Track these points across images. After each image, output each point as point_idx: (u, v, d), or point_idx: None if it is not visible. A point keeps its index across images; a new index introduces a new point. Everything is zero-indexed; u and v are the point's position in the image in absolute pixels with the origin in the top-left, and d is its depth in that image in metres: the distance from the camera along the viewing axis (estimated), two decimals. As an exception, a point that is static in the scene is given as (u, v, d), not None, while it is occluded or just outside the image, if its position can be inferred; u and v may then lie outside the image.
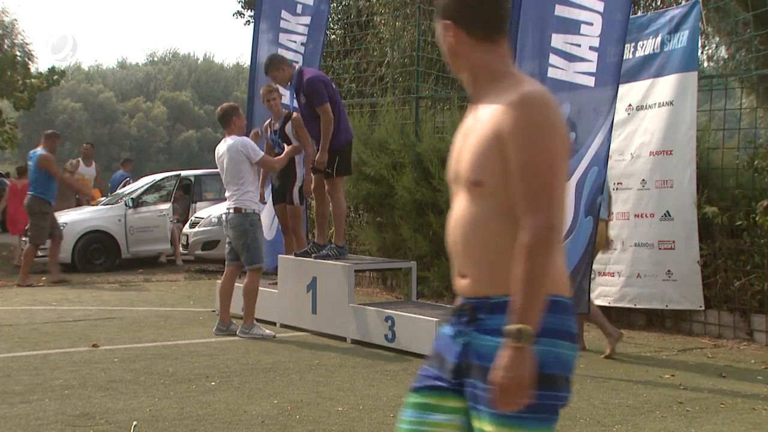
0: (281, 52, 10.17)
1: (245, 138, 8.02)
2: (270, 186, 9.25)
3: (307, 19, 10.21)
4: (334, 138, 8.05)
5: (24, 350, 7.24)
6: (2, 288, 11.72)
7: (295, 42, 10.20)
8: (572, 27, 6.79)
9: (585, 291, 6.73)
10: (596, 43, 6.76)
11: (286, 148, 8.66)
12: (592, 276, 7.15)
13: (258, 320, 8.65)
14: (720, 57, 14.65)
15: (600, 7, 6.75)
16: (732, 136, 8.56)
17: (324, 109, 8.03)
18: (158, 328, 8.41)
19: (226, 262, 8.21)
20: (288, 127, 8.75)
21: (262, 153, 8.06)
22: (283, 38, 10.21)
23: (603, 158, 6.82)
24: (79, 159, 16.86)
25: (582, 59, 6.80)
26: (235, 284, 8.20)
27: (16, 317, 9.06)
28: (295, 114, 8.85)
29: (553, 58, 6.80)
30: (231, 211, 7.94)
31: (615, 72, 6.81)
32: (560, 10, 6.77)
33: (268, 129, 8.99)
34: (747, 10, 10.48)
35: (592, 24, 6.77)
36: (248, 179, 7.92)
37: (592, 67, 6.78)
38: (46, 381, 6.05)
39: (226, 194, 8.12)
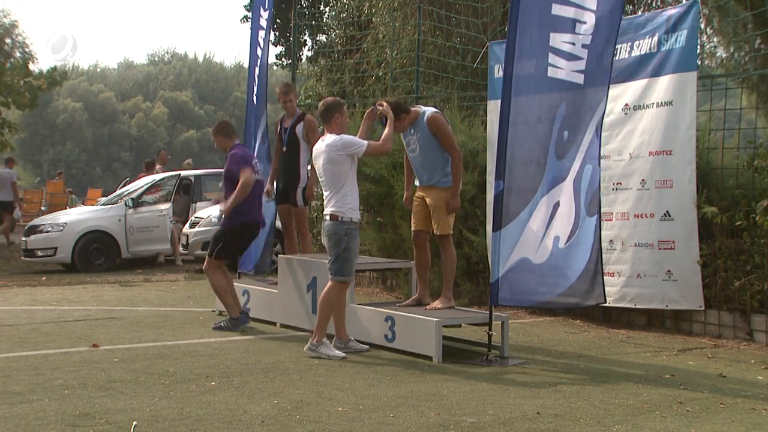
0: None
1: (346, 135, 7.04)
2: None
3: (267, 14, 10.29)
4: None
5: (24, 350, 7.24)
6: (2, 288, 11.74)
7: (264, 39, 10.28)
8: (568, 26, 6.79)
9: (600, 284, 6.88)
10: (588, 41, 6.77)
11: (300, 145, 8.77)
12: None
13: (258, 320, 8.65)
14: (719, 57, 14.65)
15: (593, 4, 6.75)
16: (732, 136, 8.55)
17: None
18: (158, 328, 8.41)
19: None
20: (299, 128, 8.78)
21: (365, 142, 7.01)
22: (261, 35, 10.28)
23: (596, 156, 6.85)
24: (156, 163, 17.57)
25: (576, 57, 6.80)
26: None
27: (16, 317, 9.07)
28: (308, 116, 8.89)
29: (552, 58, 6.79)
30: (327, 217, 7.04)
31: (606, 71, 6.80)
32: (557, 9, 6.77)
33: (279, 125, 9.03)
34: (747, 9, 10.49)
35: (585, 22, 6.77)
36: (348, 182, 7.00)
37: (582, 65, 6.78)
38: (46, 381, 6.05)
39: (324, 199, 7.15)
